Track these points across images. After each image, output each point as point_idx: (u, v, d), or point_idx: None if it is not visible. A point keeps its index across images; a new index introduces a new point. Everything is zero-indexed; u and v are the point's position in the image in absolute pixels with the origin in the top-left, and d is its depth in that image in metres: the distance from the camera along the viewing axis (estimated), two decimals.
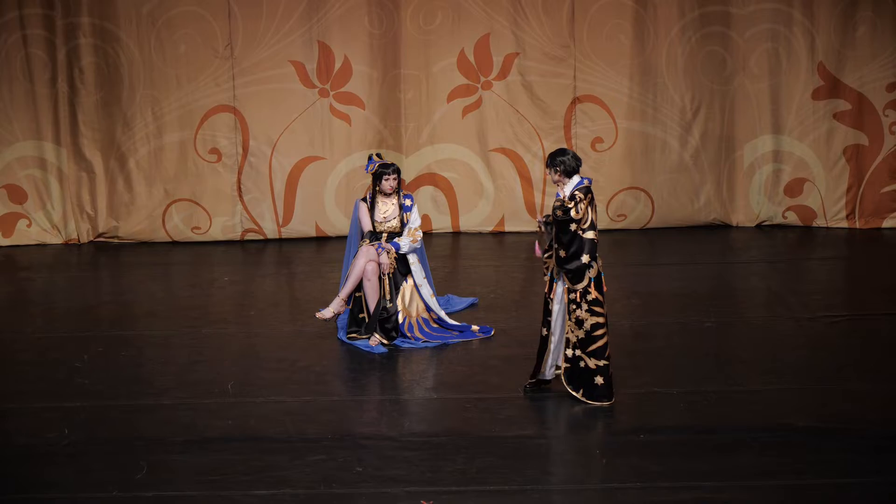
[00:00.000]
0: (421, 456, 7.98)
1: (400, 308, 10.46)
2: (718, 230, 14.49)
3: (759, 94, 14.31)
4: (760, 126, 14.38)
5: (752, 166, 14.47)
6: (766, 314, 11.16)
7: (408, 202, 10.62)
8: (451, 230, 14.63)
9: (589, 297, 8.73)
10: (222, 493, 7.49)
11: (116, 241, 14.34)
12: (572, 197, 8.67)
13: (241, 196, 14.27)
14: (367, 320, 10.43)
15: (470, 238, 14.45)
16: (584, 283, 8.71)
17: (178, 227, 14.29)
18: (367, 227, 10.62)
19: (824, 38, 14.16)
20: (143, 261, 13.60)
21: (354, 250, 10.64)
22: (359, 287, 10.47)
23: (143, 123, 14.10)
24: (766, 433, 8.23)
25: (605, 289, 8.82)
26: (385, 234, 10.57)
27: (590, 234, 8.69)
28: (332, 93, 14.18)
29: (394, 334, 10.36)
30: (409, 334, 10.42)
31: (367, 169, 10.68)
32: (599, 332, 8.76)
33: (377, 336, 10.31)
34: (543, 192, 14.49)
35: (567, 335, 8.80)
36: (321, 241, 14.36)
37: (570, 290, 8.75)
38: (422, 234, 10.64)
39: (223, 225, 14.33)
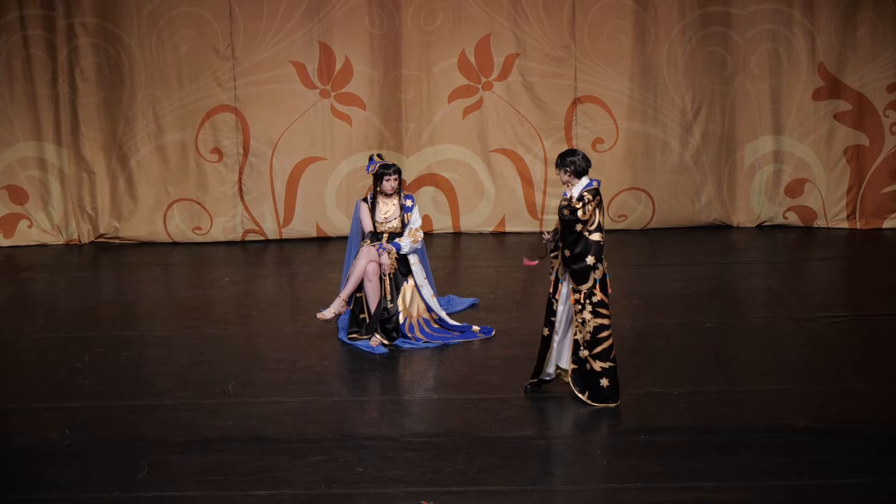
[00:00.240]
0: (421, 456, 7.99)
1: (401, 308, 10.46)
2: (719, 231, 14.49)
3: (760, 95, 14.31)
4: (761, 126, 14.38)
5: (753, 167, 14.47)
6: (766, 314, 11.17)
7: (409, 203, 10.63)
8: (451, 230, 14.63)
9: (594, 299, 8.73)
10: (223, 493, 7.49)
11: (117, 241, 14.34)
12: (580, 198, 8.67)
13: (242, 196, 14.28)
14: (367, 321, 10.44)
15: (471, 238, 14.45)
16: (589, 284, 8.71)
17: (179, 227, 14.29)
18: (368, 227, 10.63)
19: (825, 39, 14.16)
20: (144, 261, 13.60)
21: (355, 251, 10.65)
22: (360, 287, 10.48)
23: (144, 124, 14.10)
24: (767, 433, 8.24)
25: (609, 290, 8.82)
26: (386, 235, 10.58)
27: (596, 236, 8.70)
28: (332, 93, 14.18)
29: (394, 335, 10.37)
30: (409, 335, 10.42)
31: (367, 169, 10.69)
32: (604, 333, 8.76)
33: (378, 336, 10.32)
34: (544, 193, 14.49)
35: (575, 337, 8.80)
36: (322, 241, 14.36)
37: (575, 291, 8.75)
38: (422, 235, 10.65)
39: (224, 225, 14.33)
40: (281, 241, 14.38)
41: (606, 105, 14.32)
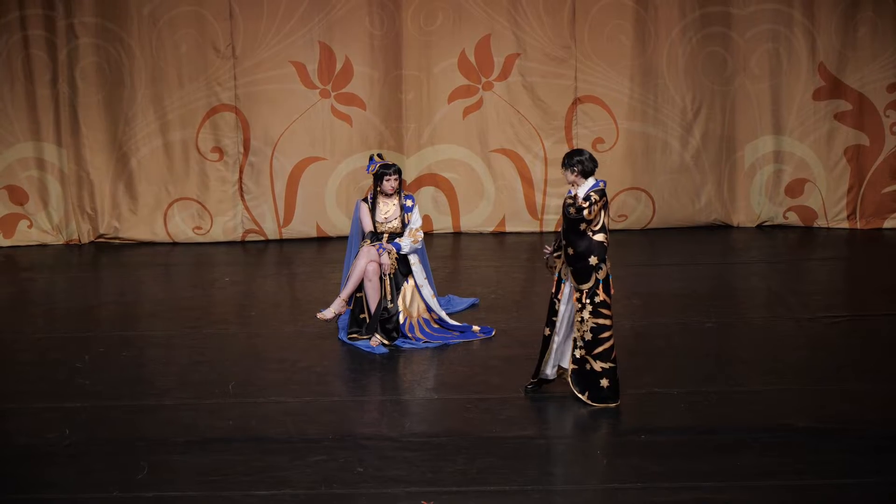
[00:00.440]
0: (421, 456, 7.99)
1: (401, 308, 10.46)
2: (719, 231, 14.49)
3: (760, 95, 14.31)
4: (761, 126, 14.38)
5: (753, 167, 14.47)
6: (766, 314, 11.17)
7: (409, 203, 10.63)
8: (451, 230, 14.63)
9: (596, 300, 8.72)
10: (223, 493, 7.49)
11: (117, 241, 14.34)
12: (587, 197, 8.67)
13: (242, 196, 14.28)
14: (367, 321, 10.44)
15: (471, 238, 14.45)
16: (590, 283, 8.71)
17: (180, 227, 14.29)
18: (368, 227, 10.63)
19: (825, 39, 14.16)
20: (144, 261, 13.60)
21: (355, 251, 10.65)
22: (360, 287, 10.48)
23: (144, 123, 14.10)
24: (767, 433, 8.24)
25: (612, 291, 8.82)
26: (386, 235, 10.58)
27: (600, 237, 8.70)
28: (333, 94, 14.18)
29: (395, 335, 10.37)
30: (409, 335, 10.42)
31: (368, 169, 10.69)
32: (605, 334, 8.76)
33: (378, 336, 10.32)
34: (544, 193, 14.49)
35: (574, 336, 8.80)
36: (322, 241, 14.36)
37: (576, 290, 8.75)
38: (423, 235, 10.65)
39: (224, 225, 14.33)
40: (281, 242, 14.38)
41: (607, 105, 14.32)
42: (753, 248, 13.75)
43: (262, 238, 14.40)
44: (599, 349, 8.76)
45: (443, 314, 10.69)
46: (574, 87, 14.30)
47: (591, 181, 8.78)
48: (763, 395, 9.00)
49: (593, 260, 8.68)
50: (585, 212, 8.62)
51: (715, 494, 7.39)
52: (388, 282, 10.43)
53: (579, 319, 8.74)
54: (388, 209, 10.60)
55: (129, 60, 13.96)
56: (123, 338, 10.71)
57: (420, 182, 14.42)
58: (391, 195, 10.60)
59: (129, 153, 14.15)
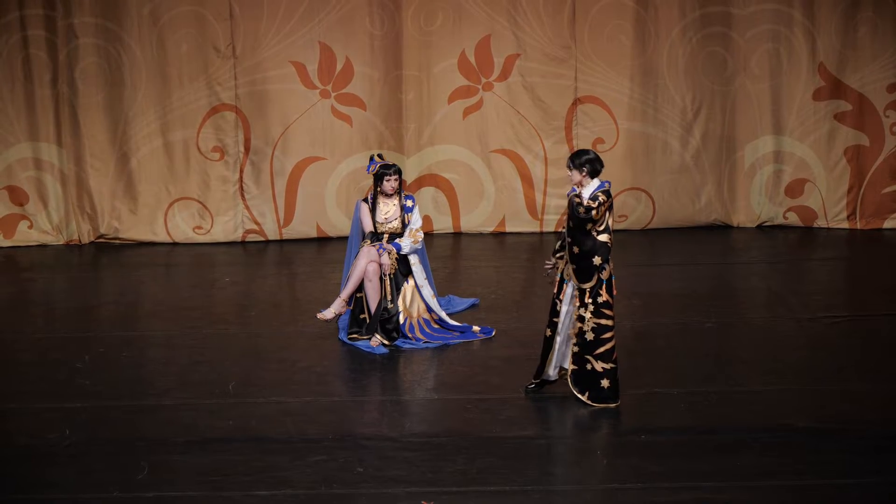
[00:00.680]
0: (422, 456, 7.99)
1: (401, 309, 10.46)
2: (719, 231, 14.49)
3: (760, 95, 14.31)
4: (761, 127, 14.38)
5: (753, 167, 14.47)
6: (766, 315, 11.17)
7: (409, 203, 10.63)
8: (451, 231, 14.63)
9: (599, 300, 8.72)
10: (223, 493, 7.50)
11: (118, 241, 14.34)
12: (594, 198, 8.67)
13: (242, 196, 14.28)
14: (368, 321, 10.44)
15: (471, 239, 14.45)
16: (592, 282, 8.70)
17: (180, 227, 14.29)
18: (369, 227, 10.63)
19: (825, 39, 14.16)
20: (145, 261, 13.60)
21: (355, 251, 10.65)
22: (360, 288, 10.48)
23: (145, 123, 14.10)
24: (767, 434, 8.24)
25: (615, 292, 8.82)
26: (386, 235, 10.58)
27: (604, 237, 8.70)
28: (333, 94, 14.18)
29: (395, 335, 10.37)
30: (410, 335, 10.42)
31: (368, 170, 10.69)
32: (607, 335, 8.75)
33: (378, 337, 10.32)
34: (544, 193, 14.49)
35: (575, 337, 8.79)
36: (322, 241, 14.36)
37: (578, 290, 8.74)
38: (423, 235, 10.65)
39: (224, 225, 14.33)
40: (281, 242, 14.38)
41: (607, 105, 14.32)
42: (753, 248, 13.75)
43: (262, 238, 14.40)
44: (601, 349, 8.75)
45: (443, 314, 10.69)
46: (574, 87, 14.30)
47: (596, 181, 8.78)
48: (763, 395, 9.00)
49: (597, 260, 8.68)
50: (594, 212, 8.62)
51: (715, 494, 7.39)
52: (388, 282, 10.43)
53: (580, 319, 8.74)
54: (389, 209, 10.60)
55: (130, 60, 13.96)
56: (123, 338, 10.71)
57: (420, 182, 14.42)
58: (391, 195, 10.60)
59: (129, 153, 14.14)
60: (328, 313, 10.57)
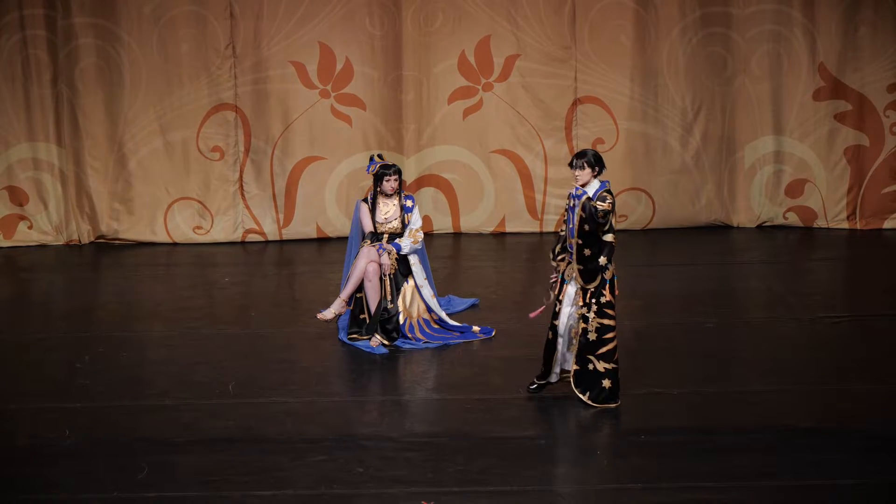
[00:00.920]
0: (422, 457, 7.99)
1: (401, 309, 10.46)
2: (719, 231, 14.49)
3: (760, 95, 14.31)
4: (761, 127, 14.38)
5: (753, 167, 14.47)
6: (766, 315, 11.17)
7: (409, 203, 10.63)
8: (451, 231, 14.63)
9: (602, 300, 8.72)
10: (223, 493, 7.50)
11: (118, 241, 14.34)
12: (603, 199, 8.66)
13: (243, 195, 14.28)
14: (367, 321, 10.44)
15: (471, 239, 14.45)
16: (596, 282, 8.70)
17: (180, 227, 14.29)
18: (368, 227, 10.63)
19: (825, 39, 14.16)
20: (144, 261, 13.60)
21: (355, 251, 10.65)
22: (360, 288, 10.48)
23: (145, 123, 14.10)
24: (767, 433, 8.24)
25: (616, 292, 8.82)
26: (386, 235, 10.58)
27: (609, 237, 8.71)
28: (333, 94, 14.18)
29: (395, 335, 10.37)
30: (409, 335, 10.42)
31: (368, 170, 10.69)
32: (610, 335, 8.75)
33: (378, 337, 10.32)
34: (544, 193, 14.49)
35: (578, 338, 8.78)
36: (322, 241, 14.36)
37: (582, 290, 8.73)
38: (423, 235, 10.64)
39: (224, 225, 14.33)
40: (281, 242, 14.38)
41: (607, 105, 14.31)
42: (753, 248, 13.74)
43: (262, 238, 14.40)
44: (603, 349, 8.75)
45: (443, 314, 10.69)
46: (574, 87, 14.30)
47: (597, 182, 8.79)
48: (763, 395, 9.00)
49: (602, 260, 8.68)
50: (610, 214, 8.64)
51: (715, 494, 7.39)
52: (388, 282, 10.43)
53: (583, 319, 8.72)
54: (388, 209, 10.60)
55: (130, 60, 13.96)
56: (123, 338, 10.71)
57: (420, 183, 14.42)
58: (391, 195, 10.61)
59: (129, 153, 14.14)
60: (328, 313, 10.57)
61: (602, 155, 8.90)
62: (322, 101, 14.19)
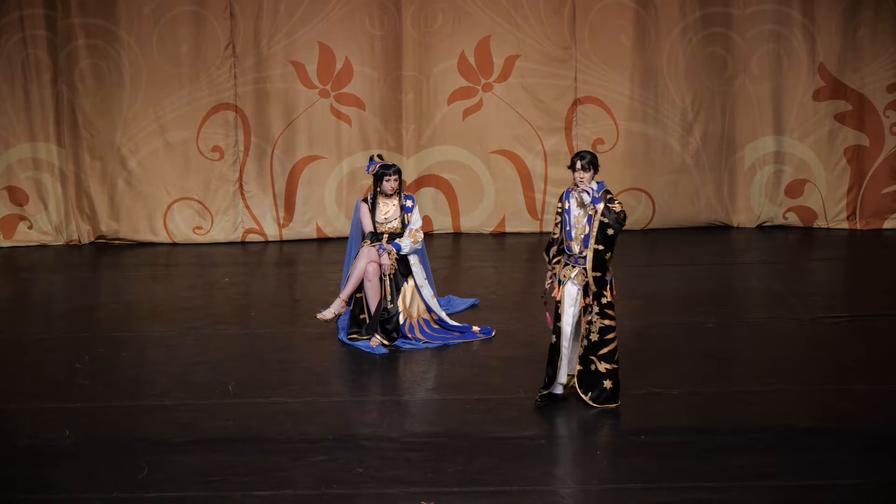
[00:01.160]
0: (422, 457, 7.99)
1: (401, 309, 10.46)
2: (719, 231, 14.49)
3: (760, 95, 14.31)
4: (761, 127, 14.38)
5: (753, 167, 14.47)
6: (766, 315, 11.17)
7: (409, 203, 10.63)
8: (451, 231, 14.63)
9: (603, 301, 8.72)
10: (223, 493, 7.50)
11: (117, 242, 14.34)
12: (611, 200, 8.65)
13: (243, 195, 14.29)
14: (367, 321, 10.44)
15: (471, 239, 14.45)
16: (603, 282, 8.70)
17: (180, 227, 14.29)
18: (368, 227, 10.63)
19: (825, 40, 14.16)
20: (144, 262, 13.60)
21: (355, 251, 10.65)
22: (360, 288, 10.48)
23: (145, 123, 14.10)
24: (767, 433, 8.24)
25: (615, 293, 8.82)
26: (386, 235, 10.58)
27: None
28: (332, 94, 14.18)
29: (395, 335, 10.37)
30: (409, 335, 10.42)
31: (368, 170, 10.69)
32: (610, 335, 8.75)
33: (378, 337, 10.32)
34: (544, 193, 14.49)
35: (582, 339, 8.77)
36: (322, 241, 14.36)
37: (586, 293, 8.71)
38: (423, 235, 10.65)
39: (224, 225, 14.34)
40: (281, 242, 14.38)
41: (607, 106, 14.32)
42: (753, 248, 13.74)
43: (262, 238, 14.40)
44: (604, 350, 8.75)
45: (443, 315, 10.69)
46: (574, 87, 14.30)
47: (594, 183, 8.78)
48: (763, 395, 9.00)
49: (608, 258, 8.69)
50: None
51: (715, 494, 7.39)
52: (388, 282, 10.43)
53: (588, 321, 8.71)
54: (388, 209, 10.60)
55: (130, 60, 13.96)
56: (123, 338, 10.71)
57: (420, 183, 14.42)
58: (391, 195, 10.61)
59: (129, 153, 14.14)
60: (328, 313, 10.57)
61: (600, 155, 8.89)
62: (322, 101, 14.20)
